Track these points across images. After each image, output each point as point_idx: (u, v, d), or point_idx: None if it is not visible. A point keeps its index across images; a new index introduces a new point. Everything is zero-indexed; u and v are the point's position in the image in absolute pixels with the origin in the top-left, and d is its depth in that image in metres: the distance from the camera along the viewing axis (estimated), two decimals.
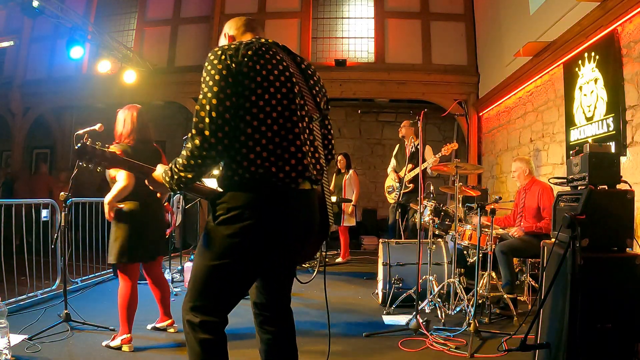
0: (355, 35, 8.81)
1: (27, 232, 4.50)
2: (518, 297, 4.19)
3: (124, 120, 3.04)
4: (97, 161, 1.66)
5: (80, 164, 1.67)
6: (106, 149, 1.70)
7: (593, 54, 4.49)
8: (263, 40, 1.70)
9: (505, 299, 3.77)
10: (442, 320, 3.55)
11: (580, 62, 4.70)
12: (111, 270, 5.33)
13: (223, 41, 1.90)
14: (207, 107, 1.52)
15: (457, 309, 3.75)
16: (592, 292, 2.13)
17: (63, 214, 3.53)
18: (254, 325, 1.82)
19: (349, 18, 8.88)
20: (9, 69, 9.92)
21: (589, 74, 4.53)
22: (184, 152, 1.55)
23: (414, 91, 8.36)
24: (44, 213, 4.71)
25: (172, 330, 3.27)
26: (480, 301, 3.69)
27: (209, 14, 8.93)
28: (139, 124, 3.03)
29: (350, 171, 6.96)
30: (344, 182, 6.89)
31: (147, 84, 8.58)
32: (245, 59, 1.57)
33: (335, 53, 8.66)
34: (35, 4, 6.28)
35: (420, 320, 3.29)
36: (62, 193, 3.36)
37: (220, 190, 1.63)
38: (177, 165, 1.57)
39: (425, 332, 3.24)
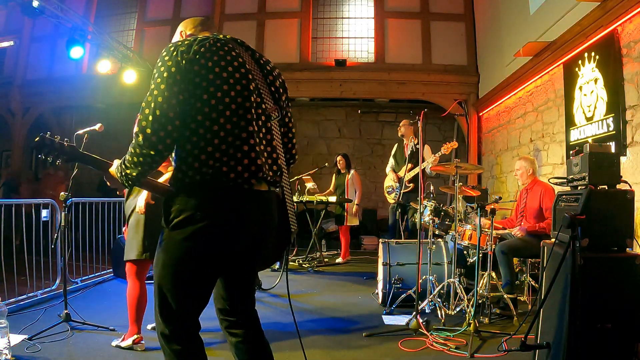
0: (355, 35, 8.81)
1: (27, 232, 4.49)
2: (518, 297, 4.19)
3: None
4: (56, 154, 1.62)
5: (40, 156, 1.62)
6: (65, 143, 1.64)
7: (593, 54, 4.49)
8: (220, 36, 1.66)
9: (505, 299, 3.77)
10: (442, 320, 3.55)
11: (580, 62, 4.70)
12: (111, 270, 5.33)
13: (177, 38, 1.87)
14: (152, 105, 1.50)
15: (457, 309, 3.75)
16: (592, 292, 2.13)
17: (63, 214, 3.53)
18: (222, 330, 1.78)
19: (349, 18, 8.88)
20: (9, 69, 9.92)
21: (589, 74, 4.53)
22: (129, 149, 1.53)
23: (414, 91, 8.36)
24: (44, 213, 4.70)
25: None
26: (480, 301, 3.69)
27: (209, 14, 8.93)
28: None
29: (352, 171, 6.96)
30: (346, 182, 6.90)
31: (147, 84, 8.47)
32: (197, 56, 1.54)
33: (335, 53, 8.66)
34: (35, 4, 6.28)
35: (420, 320, 3.29)
36: (62, 193, 3.36)
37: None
38: (124, 162, 1.55)
39: (425, 332, 3.24)
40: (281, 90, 1.80)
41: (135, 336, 2.92)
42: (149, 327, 3.28)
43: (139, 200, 2.86)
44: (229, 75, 1.55)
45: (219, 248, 1.55)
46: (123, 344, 2.92)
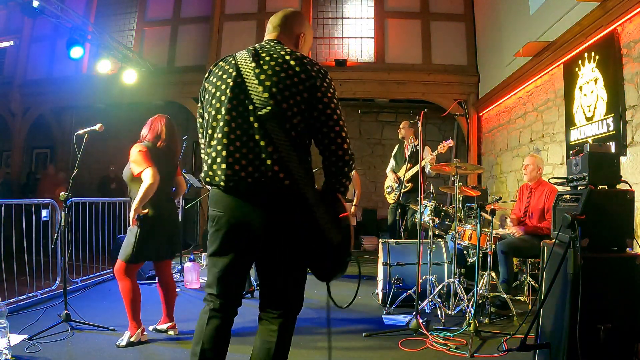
0: (355, 35, 8.80)
1: (27, 232, 4.49)
2: (518, 297, 4.20)
3: (155, 127, 3.11)
4: None
5: None
6: None
7: (593, 54, 4.48)
8: (227, 56, 1.82)
9: (501, 297, 3.77)
10: (442, 320, 3.55)
11: (580, 62, 4.70)
12: (111, 270, 5.33)
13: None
14: None
15: (457, 309, 3.75)
16: (592, 292, 2.13)
17: (63, 214, 3.52)
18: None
19: (349, 18, 8.88)
20: (9, 69, 9.93)
21: (589, 74, 4.53)
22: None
23: (414, 91, 8.36)
24: (44, 213, 4.70)
25: (171, 332, 3.25)
26: (480, 301, 3.70)
27: (209, 14, 8.92)
28: (169, 132, 3.12)
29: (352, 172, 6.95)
30: None
31: (147, 84, 8.58)
32: (202, 87, 1.84)
33: (335, 53, 8.66)
34: (35, 4, 6.28)
35: (420, 320, 3.29)
36: (62, 193, 3.36)
37: None
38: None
39: (425, 332, 3.24)
40: (280, 81, 1.67)
41: (139, 330, 3.00)
42: (150, 328, 3.27)
43: (131, 213, 2.91)
44: (210, 96, 1.79)
45: (215, 236, 1.80)
46: (133, 339, 2.98)
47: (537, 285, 4.10)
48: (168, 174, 3.14)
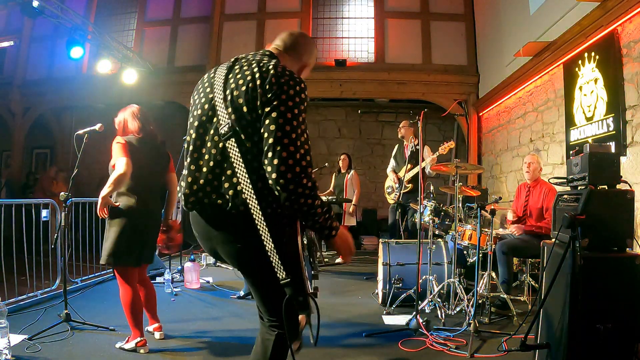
0: (355, 35, 8.81)
1: (27, 232, 4.49)
2: (518, 297, 4.19)
3: (123, 119, 3.00)
4: None
5: None
6: None
7: (593, 54, 4.49)
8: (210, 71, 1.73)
9: (501, 297, 3.77)
10: (442, 320, 3.55)
11: (580, 62, 4.70)
12: (111, 270, 5.33)
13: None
14: None
15: (457, 309, 3.75)
16: (592, 292, 2.13)
17: (63, 214, 3.52)
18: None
19: (349, 18, 8.88)
20: (9, 69, 9.92)
21: (589, 74, 4.53)
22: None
23: (414, 91, 8.36)
24: (44, 213, 4.70)
25: (157, 336, 3.16)
26: (480, 301, 3.69)
27: (209, 14, 8.93)
28: (141, 120, 2.99)
29: (352, 171, 6.96)
30: (345, 182, 6.90)
31: (147, 84, 8.58)
32: None
33: (335, 53, 8.66)
34: (35, 4, 6.28)
35: (420, 320, 3.29)
36: (62, 193, 3.36)
37: None
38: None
39: (425, 332, 3.24)
40: (239, 92, 1.52)
41: (139, 339, 2.90)
42: (151, 328, 3.26)
43: (99, 200, 2.80)
44: (190, 115, 1.73)
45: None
46: (126, 346, 2.91)
47: (537, 285, 4.10)
48: (154, 171, 3.03)
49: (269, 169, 1.44)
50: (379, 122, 9.98)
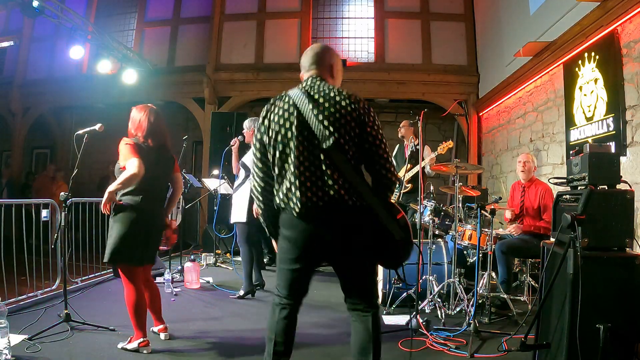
0: (355, 35, 8.81)
1: (27, 232, 4.49)
2: (518, 297, 4.19)
3: (139, 121, 2.97)
4: None
5: None
6: None
7: (593, 54, 4.49)
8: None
9: (500, 297, 3.77)
10: (442, 320, 3.55)
11: (580, 62, 4.70)
12: (111, 270, 5.33)
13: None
14: None
15: (457, 309, 3.75)
16: (592, 292, 2.13)
17: (63, 214, 3.52)
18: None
19: (349, 18, 8.89)
20: (9, 69, 9.93)
21: (589, 74, 4.53)
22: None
23: (414, 91, 8.36)
24: (44, 213, 4.70)
25: (163, 337, 3.17)
26: (480, 301, 3.69)
27: (209, 14, 8.93)
28: (151, 126, 2.96)
29: None
30: None
31: (147, 84, 8.58)
32: (261, 124, 2.11)
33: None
34: (35, 4, 6.28)
35: (420, 320, 3.29)
36: (62, 193, 3.35)
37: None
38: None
39: (425, 332, 3.24)
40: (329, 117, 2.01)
41: (141, 339, 2.88)
42: (156, 329, 3.24)
43: (105, 196, 2.79)
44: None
45: None
46: (129, 347, 2.90)
47: (537, 285, 4.10)
48: (160, 174, 3.02)
49: (382, 168, 2.01)
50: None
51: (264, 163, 2.05)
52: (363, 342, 2.01)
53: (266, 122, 2.02)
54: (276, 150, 1.98)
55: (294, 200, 1.93)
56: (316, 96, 1.98)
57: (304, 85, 2.07)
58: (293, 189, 1.93)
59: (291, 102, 1.99)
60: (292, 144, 1.95)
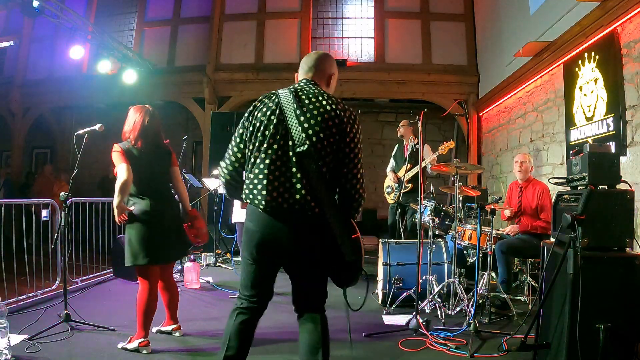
0: (355, 35, 8.81)
1: (27, 232, 4.49)
2: (518, 297, 4.20)
3: (133, 122, 3.00)
4: None
5: None
6: None
7: (593, 54, 4.49)
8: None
9: (500, 297, 3.77)
10: (442, 320, 3.55)
11: (580, 62, 4.70)
12: (111, 270, 5.33)
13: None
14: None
15: (457, 309, 3.75)
16: (592, 292, 2.13)
17: (63, 214, 3.52)
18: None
19: (349, 18, 8.89)
20: (9, 69, 9.93)
21: (589, 74, 4.53)
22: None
23: (414, 91, 8.36)
24: (44, 213, 4.70)
25: (177, 334, 3.23)
26: (480, 301, 3.69)
27: (209, 14, 8.92)
28: (144, 128, 2.98)
29: None
30: None
31: (147, 84, 8.58)
32: (245, 118, 2.07)
33: (335, 53, 8.66)
34: (35, 4, 6.29)
35: (420, 320, 3.29)
36: (62, 193, 3.36)
37: None
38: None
39: (425, 332, 3.24)
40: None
41: (142, 339, 2.89)
42: (154, 329, 3.24)
43: (115, 210, 2.85)
44: None
45: None
46: (129, 346, 2.90)
47: (537, 285, 4.10)
48: (159, 172, 3.05)
49: (350, 184, 1.97)
50: (379, 122, 9.98)
51: (238, 153, 2.02)
52: (313, 341, 1.97)
53: (250, 117, 2.00)
54: (253, 147, 1.95)
55: (259, 198, 1.90)
56: (304, 97, 1.98)
57: (296, 86, 2.07)
58: (259, 187, 1.91)
59: (277, 100, 1.98)
60: (267, 142, 1.92)
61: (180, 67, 8.93)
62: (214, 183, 6.05)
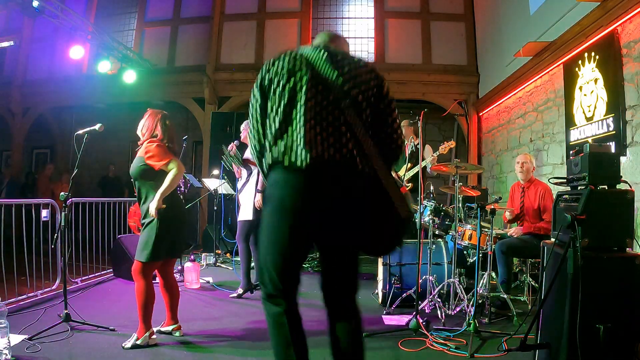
0: (355, 35, 8.81)
1: (27, 232, 4.49)
2: (518, 297, 4.20)
3: (155, 125, 3.06)
4: None
5: None
6: None
7: (593, 54, 4.49)
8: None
9: (501, 297, 3.77)
10: (442, 320, 3.55)
11: (580, 62, 4.70)
12: (111, 270, 5.34)
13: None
14: None
15: (457, 309, 3.75)
16: (592, 292, 2.13)
17: (63, 214, 3.52)
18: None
19: (349, 18, 8.89)
20: (9, 69, 9.93)
21: (589, 74, 4.53)
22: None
23: (414, 91, 8.36)
24: (44, 213, 4.70)
25: (177, 334, 3.23)
26: (480, 301, 3.69)
27: (209, 14, 8.93)
28: (171, 131, 3.11)
29: None
30: None
31: (147, 84, 8.58)
32: (263, 78, 1.95)
33: None
34: (35, 4, 6.29)
35: (420, 320, 3.29)
36: (62, 193, 3.36)
37: None
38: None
39: (425, 332, 3.24)
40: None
41: (148, 332, 2.97)
42: (155, 329, 3.24)
43: (151, 205, 2.89)
44: None
45: None
46: (140, 342, 2.94)
47: (537, 285, 4.10)
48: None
49: (394, 132, 1.98)
50: None
51: (262, 115, 1.87)
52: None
53: (269, 75, 1.85)
54: (281, 102, 1.81)
55: (301, 154, 1.74)
56: (335, 55, 1.91)
57: (320, 46, 1.98)
58: (298, 143, 1.75)
59: (303, 56, 1.88)
60: (301, 97, 1.80)
61: (180, 67, 8.93)
62: (214, 183, 6.05)
